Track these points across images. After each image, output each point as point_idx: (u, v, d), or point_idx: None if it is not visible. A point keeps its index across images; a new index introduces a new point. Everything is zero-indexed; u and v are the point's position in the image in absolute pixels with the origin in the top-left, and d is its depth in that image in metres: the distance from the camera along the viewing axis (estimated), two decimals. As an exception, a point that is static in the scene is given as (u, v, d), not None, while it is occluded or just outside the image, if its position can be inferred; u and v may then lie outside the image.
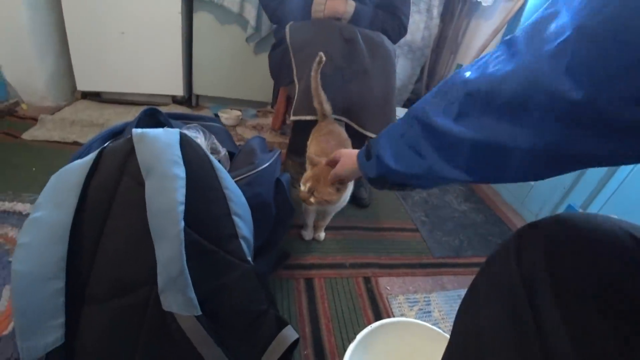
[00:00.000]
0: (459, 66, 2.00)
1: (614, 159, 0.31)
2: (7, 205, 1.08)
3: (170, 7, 1.72)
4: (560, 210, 1.36)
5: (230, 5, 1.71)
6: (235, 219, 0.60)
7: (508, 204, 1.62)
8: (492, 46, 1.75)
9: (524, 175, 0.38)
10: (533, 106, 0.33)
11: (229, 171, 0.84)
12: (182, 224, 0.49)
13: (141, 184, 0.54)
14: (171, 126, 0.89)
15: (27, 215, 1.08)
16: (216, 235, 0.57)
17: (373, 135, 1.22)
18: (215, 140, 0.87)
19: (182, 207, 0.50)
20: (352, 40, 1.20)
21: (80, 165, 0.54)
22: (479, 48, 1.70)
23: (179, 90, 1.92)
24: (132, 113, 1.84)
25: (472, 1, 1.82)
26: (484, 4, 1.75)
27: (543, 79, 0.31)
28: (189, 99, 2.02)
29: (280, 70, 1.36)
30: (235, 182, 0.65)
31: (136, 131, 0.56)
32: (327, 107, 1.15)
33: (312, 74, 1.08)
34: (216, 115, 1.86)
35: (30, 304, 0.46)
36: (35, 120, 1.60)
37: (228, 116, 1.82)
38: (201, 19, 1.81)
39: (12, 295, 0.47)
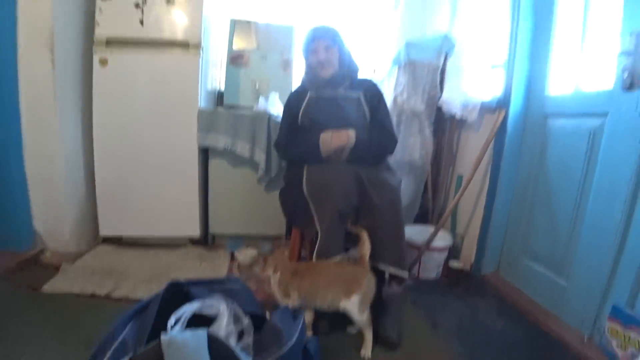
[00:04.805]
0: (460, 177, 2.09)
1: None
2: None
3: (189, 158, 1.93)
4: (606, 311, 1.21)
5: (242, 152, 1.90)
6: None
7: (547, 310, 1.50)
8: (488, 157, 1.85)
9: None
10: None
11: (257, 346, 0.82)
12: None
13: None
14: (194, 297, 0.90)
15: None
16: None
17: (384, 268, 1.28)
18: (237, 307, 0.87)
19: None
20: (360, 181, 1.33)
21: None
22: (475, 159, 1.80)
23: (195, 232, 2.00)
24: (150, 256, 1.91)
25: (457, 119, 2.01)
26: (469, 120, 1.92)
27: None
28: (204, 238, 2.09)
29: (294, 212, 1.44)
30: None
31: (164, 338, 0.57)
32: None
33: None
34: (232, 253, 1.90)
35: None
36: (56, 269, 1.62)
37: (244, 257, 1.86)
38: (216, 165, 2.00)
39: None
